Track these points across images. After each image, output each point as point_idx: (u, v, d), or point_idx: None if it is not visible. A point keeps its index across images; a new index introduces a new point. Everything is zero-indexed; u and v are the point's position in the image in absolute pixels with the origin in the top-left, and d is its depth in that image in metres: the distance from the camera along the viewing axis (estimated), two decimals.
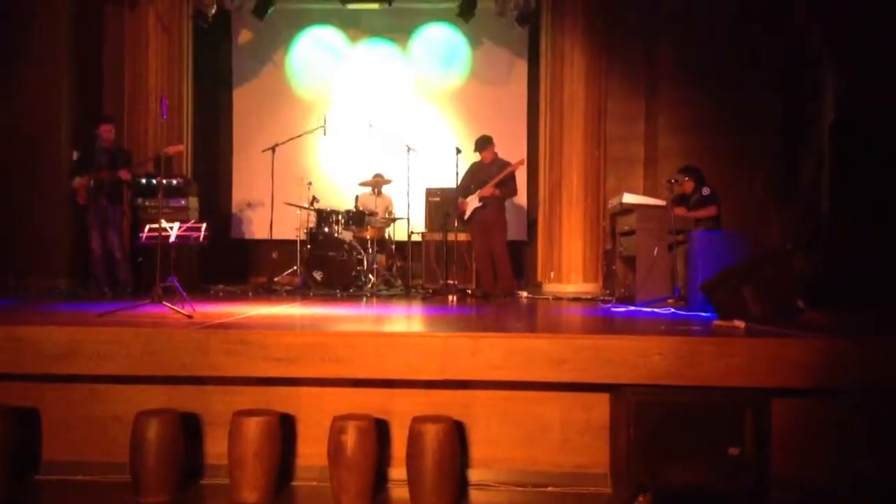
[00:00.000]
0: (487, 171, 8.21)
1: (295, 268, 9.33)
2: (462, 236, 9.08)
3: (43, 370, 4.21)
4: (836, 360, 4.01)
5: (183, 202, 8.77)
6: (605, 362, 4.01)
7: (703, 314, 5.62)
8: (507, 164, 8.25)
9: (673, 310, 6.20)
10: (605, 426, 4.23)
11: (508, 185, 8.23)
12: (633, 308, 6.55)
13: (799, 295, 4.99)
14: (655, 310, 6.25)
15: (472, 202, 8.17)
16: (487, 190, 8.07)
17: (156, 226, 5.65)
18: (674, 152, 9.33)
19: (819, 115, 8.15)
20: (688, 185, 7.52)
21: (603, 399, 4.22)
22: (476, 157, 8.46)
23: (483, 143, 8.28)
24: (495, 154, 8.31)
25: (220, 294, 8.20)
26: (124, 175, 7.64)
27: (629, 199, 7.18)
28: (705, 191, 7.37)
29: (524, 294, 8.52)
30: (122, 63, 9.76)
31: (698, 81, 9.33)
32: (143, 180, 8.61)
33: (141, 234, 5.85)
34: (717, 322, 4.97)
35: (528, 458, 4.28)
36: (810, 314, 4.97)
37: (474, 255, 8.61)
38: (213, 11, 10.30)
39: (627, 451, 3.91)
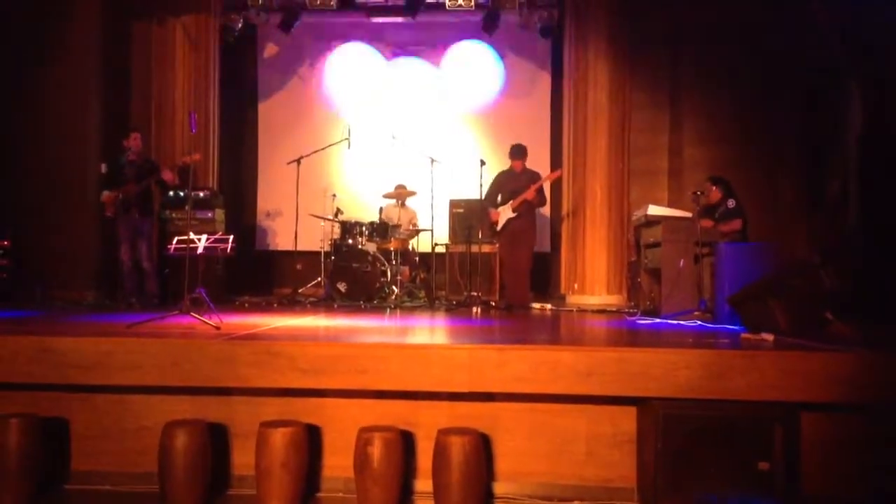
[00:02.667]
0: (517, 181, 8.20)
1: (319, 279, 9.37)
2: (486, 248, 9.07)
3: (72, 381, 4.26)
4: (867, 373, 3.96)
5: (209, 214, 8.87)
6: (632, 375, 3.99)
7: (730, 327, 5.58)
8: (537, 174, 8.26)
9: (699, 322, 6.15)
10: (632, 440, 4.20)
11: (541, 195, 8.25)
12: (658, 320, 6.50)
13: (828, 307, 4.94)
14: (682, 322, 6.21)
15: (505, 212, 8.16)
16: (530, 193, 8.06)
17: (184, 237, 5.69)
18: (698, 163, 9.29)
19: (846, 125, 8.08)
20: (714, 195, 7.47)
21: (630, 412, 4.20)
22: (500, 167, 8.45)
23: (520, 152, 8.27)
24: (525, 165, 8.32)
25: (246, 305, 8.24)
26: (167, 175, 7.73)
27: (654, 210, 7.14)
28: (731, 203, 7.31)
29: (538, 306, 8.50)
30: (149, 77, 9.90)
31: (723, 92, 9.29)
32: (171, 192, 8.71)
33: (169, 246, 5.90)
34: (744, 335, 4.92)
35: (553, 472, 4.26)
36: (839, 327, 4.91)
37: (503, 267, 8.52)
38: (240, 25, 10.46)
39: (655, 465, 3.88)
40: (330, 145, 9.79)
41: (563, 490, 4.22)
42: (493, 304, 8.72)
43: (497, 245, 8.81)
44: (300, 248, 9.16)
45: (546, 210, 10.50)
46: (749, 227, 7.33)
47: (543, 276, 10.70)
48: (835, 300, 4.96)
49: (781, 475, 3.86)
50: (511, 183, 8.24)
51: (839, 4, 7.73)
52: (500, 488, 4.26)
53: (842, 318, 4.92)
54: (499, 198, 8.34)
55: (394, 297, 8.55)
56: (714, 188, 7.49)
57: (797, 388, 3.93)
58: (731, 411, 3.93)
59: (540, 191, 8.22)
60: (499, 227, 8.26)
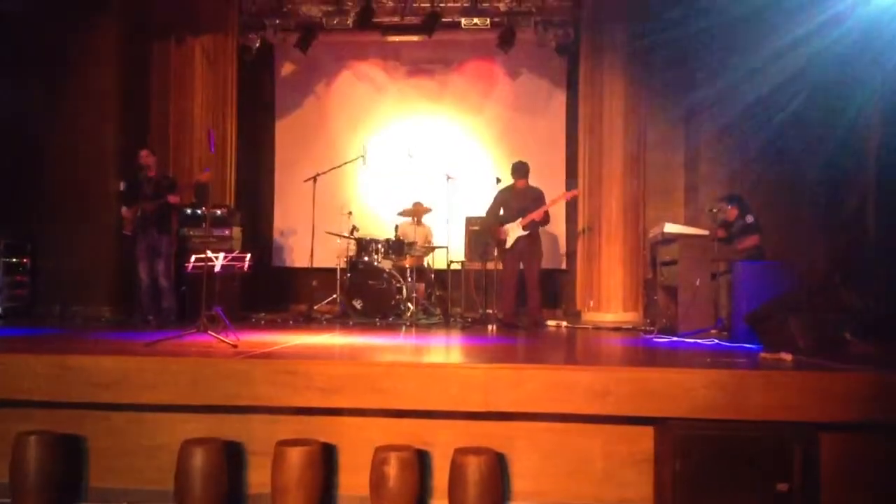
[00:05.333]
0: (522, 199, 8.18)
1: (335, 296, 9.38)
2: (501, 265, 9.05)
3: (90, 398, 4.29)
4: (886, 394, 3.93)
5: (227, 232, 8.90)
6: (649, 395, 3.97)
7: (747, 346, 5.54)
8: (541, 192, 8.23)
9: (716, 341, 6.13)
10: (649, 460, 4.18)
11: (546, 214, 8.24)
12: (675, 339, 6.47)
13: (847, 327, 4.90)
14: (698, 341, 6.18)
15: (513, 230, 8.14)
16: (538, 214, 8.04)
17: (202, 255, 5.72)
18: (715, 180, 9.25)
19: (864, 143, 8.04)
20: (731, 213, 7.46)
21: (647, 432, 4.17)
22: (506, 184, 8.43)
23: (522, 170, 8.24)
24: (528, 182, 8.31)
25: (262, 322, 8.27)
26: (173, 199, 7.76)
27: (671, 228, 7.13)
28: (749, 219, 7.29)
29: (554, 323, 8.46)
30: (168, 96, 9.96)
31: (739, 109, 9.24)
32: (189, 210, 8.76)
33: (187, 264, 5.93)
34: (762, 354, 4.90)
35: (570, 492, 4.24)
36: (858, 346, 4.88)
37: (504, 283, 8.37)
38: (258, 45, 10.56)
39: (672, 486, 3.86)
40: (346, 163, 9.83)
41: None
42: (506, 321, 8.58)
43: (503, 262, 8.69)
44: (316, 264, 9.18)
45: (560, 227, 10.52)
46: (766, 244, 7.29)
47: (559, 292, 10.69)
48: (854, 320, 4.93)
49: (800, 496, 3.83)
50: (516, 200, 8.20)
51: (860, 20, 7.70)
52: None
53: (861, 338, 4.89)
54: (501, 213, 8.30)
55: (409, 314, 8.55)
56: (730, 207, 7.47)
57: (816, 408, 3.91)
58: (749, 432, 3.90)
59: (544, 212, 8.20)
60: (508, 245, 8.21)
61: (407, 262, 8.88)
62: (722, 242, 7.11)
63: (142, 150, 7.98)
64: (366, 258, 8.87)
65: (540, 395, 4.03)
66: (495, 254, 8.56)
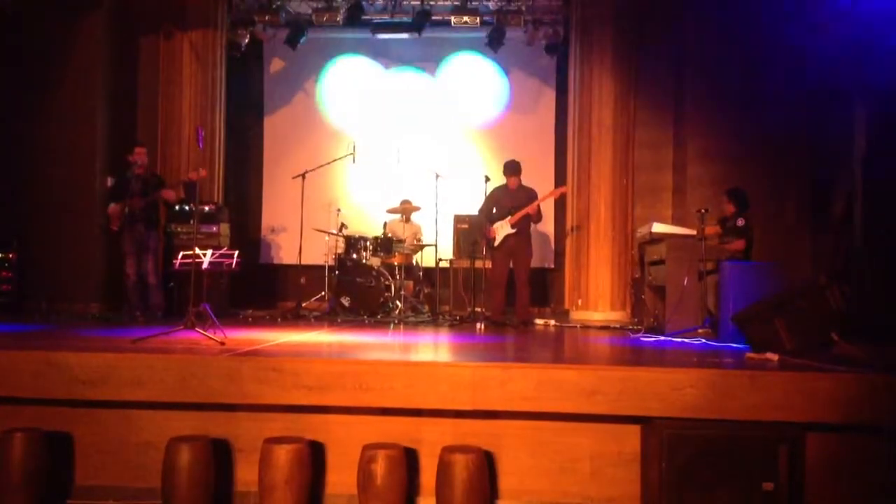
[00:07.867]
0: (514, 198, 8.18)
1: (323, 293, 9.37)
2: (490, 263, 9.06)
3: (77, 395, 4.27)
4: (872, 395, 3.96)
5: (214, 228, 8.88)
6: (637, 394, 3.99)
7: (734, 345, 5.56)
8: (533, 191, 8.24)
9: (703, 340, 6.15)
10: (636, 459, 4.19)
11: (538, 211, 8.23)
12: (662, 338, 6.49)
13: (833, 328, 4.92)
14: (685, 340, 6.20)
15: (502, 228, 8.14)
16: (532, 208, 8.04)
17: (190, 252, 5.70)
18: (702, 181, 9.28)
19: (851, 146, 8.09)
20: (728, 208, 7.48)
21: (634, 431, 4.19)
22: (495, 183, 8.43)
23: (515, 169, 8.23)
24: (521, 181, 8.31)
25: (250, 319, 8.24)
26: (167, 194, 7.76)
27: (659, 228, 7.15)
28: (740, 222, 7.30)
29: (542, 322, 8.46)
30: (156, 92, 9.93)
31: (727, 109, 9.29)
32: (177, 207, 8.73)
33: (174, 261, 5.90)
34: (749, 354, 4.92)
35: (557, 490, 4.25)
36: (845, 348, 4.90)
37: (493, 281, 8.35)
38: (247, 41, 10.54)
39: (659, 484, 3.88)
40: (335, 160, 9.80)
41: None
42: (495, 319, 8.59)
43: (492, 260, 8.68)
44: (304, 262, 9.15)
45: (549, 226, 10.53)
46: (752, 245, 7.31)
47: (547, 291, 10.71)
48: (840, 321, 4.95)
49: (786, 496, 3.86)
50: (507, 200, 8.19)
51: (847, 25, 7.75)
52: None
53: (847, 339, 4.91)
54: (493, 213, 8.31)
55: (397, 312, 8.55)
56: (728, 201, 7.49)
57: (802, 408, 3.93)
58: (735, 431, 3.92)
59: (537, 207, 8.21)
60: (496, 243, 8.21)
61: (395, 260, 8.87)
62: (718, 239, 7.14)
63: (137, 147, 7.95)
64: (354, 255, 8.86)
65: (528, 393, 4.04)
66: (484, 252, 8.55)
